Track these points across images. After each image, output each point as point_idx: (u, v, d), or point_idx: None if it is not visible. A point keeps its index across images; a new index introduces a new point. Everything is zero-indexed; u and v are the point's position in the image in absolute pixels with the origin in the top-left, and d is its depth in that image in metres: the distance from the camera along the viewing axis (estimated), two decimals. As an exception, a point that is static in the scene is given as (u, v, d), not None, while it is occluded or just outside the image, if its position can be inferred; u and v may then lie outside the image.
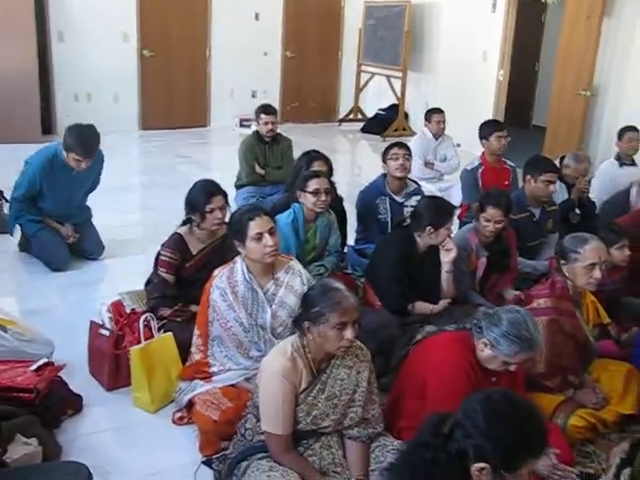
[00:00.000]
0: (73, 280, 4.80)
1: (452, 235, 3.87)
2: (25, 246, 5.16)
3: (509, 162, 5.55)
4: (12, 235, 5.15)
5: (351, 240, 4.88)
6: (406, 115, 10.73)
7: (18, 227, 5.09)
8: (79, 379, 3.49)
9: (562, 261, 3.32)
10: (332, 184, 4.27)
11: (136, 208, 6.75)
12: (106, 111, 9.17)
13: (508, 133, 5.44)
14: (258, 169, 6.08)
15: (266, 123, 6.01)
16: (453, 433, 1.78)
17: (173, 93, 10.13)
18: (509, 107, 9.29)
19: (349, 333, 2.46)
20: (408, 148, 4.71)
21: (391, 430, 2.82)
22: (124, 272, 4.95)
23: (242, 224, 3.07)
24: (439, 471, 1.76)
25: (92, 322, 3.61)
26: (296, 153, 5.40)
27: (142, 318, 3.44)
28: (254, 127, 6.48)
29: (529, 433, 1.77)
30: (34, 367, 3.15)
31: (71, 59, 9.15)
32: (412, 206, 4.36)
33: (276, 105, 7.68)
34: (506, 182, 5.34)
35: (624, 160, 5.86)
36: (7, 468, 2.48)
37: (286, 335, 2.94)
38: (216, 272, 3.18)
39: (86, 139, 4.65)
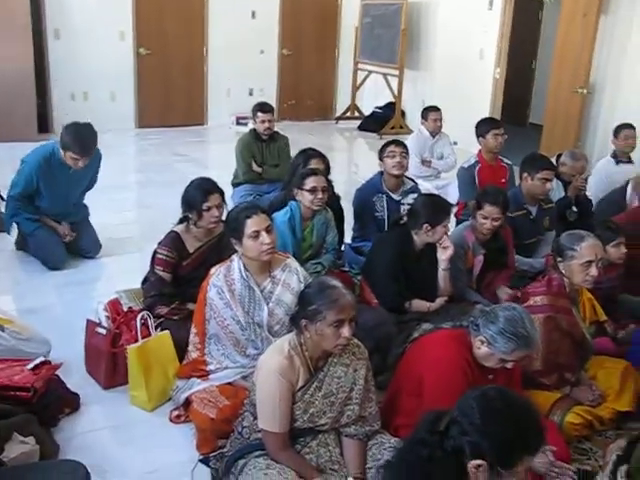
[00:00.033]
0: (70, 279, 4.80)
1: (449, 233, 3.87)
2: (22, 244, 5.15)
3: (506, 160, 5.56)
4: (9, 234, 5.14)
5: (348, 238, 4.87)
6: (403, 113, 10.73)
7: (15, 225, 5.08)
8: (76, 378, 3.49)
9: (559, 258, 3.32)
10: (329, 182, 4.27)
11: (133, 206, 6.75)
12: (103, 109, 9.17)
13: (505, 131, 5.45)
14: (255, 167, 6.08)
15: (263, 121, 6.01)
16: (449, 430, 1.79)
17: (170, 91, 10.12)
18: (506, 105, 9.30)
19: (346, 331, 2.47)
20: (405, 146, 4.71)
21: (388, 428, 2.82)
22: (121, 270, 4.94)
23: (239, 222, 3.07)
24: (435, 468, 1.77)
25: (89, 320, 3.61)
26: (293, 151, 5.39)
27: (139, 316, 3.44)
28: (251, 125, 6.48)
29: (525, 430, 1.78)
30: (31, 366, 3.15)
31: (67, 57, 9.13)
32: (409, 204, 4.36)
33: (273, 103, 7.66)
34: (503, 180, 5.34)
35: (620, 158, 5.87)
36: (4, 467, 2.48)
37: (283, 333, 2.94)
38: (213, 270, 3.18)
39: (83, 138, 4.64)
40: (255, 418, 2.62)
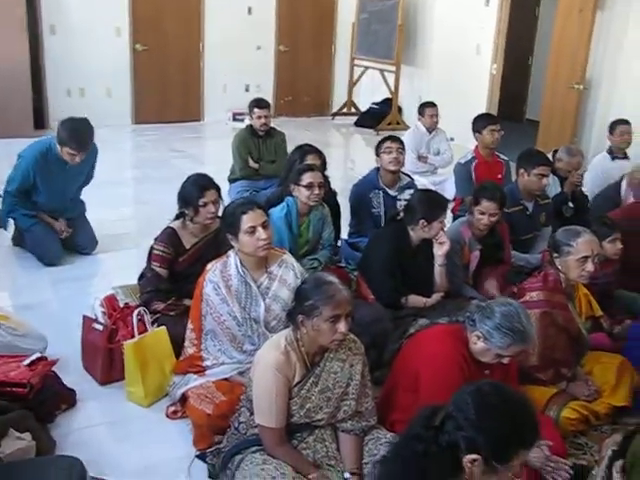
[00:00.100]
0: (66, 275, 4.79)
1: (445, 229, 3.87)
2: (19, 240, 5.14)
3: (502, 156, 5.56)
4: (5, 229, 5.13)
5: (344, 234, 4.88)
6: (399, 109, 10.72)
7: (12, 221, 5.07)
8: (73, 374, 3.49)
9: (555, 254, 3.33)
10: (326, 178, 4.27)
11: (129, 202, 6.73)
12: (99, 105, 9.12)
13: (501, 127, 5.45)
14: (252, 163, 6.08)
15: (259, 117, 6.01)
16: (444, 425, 1.79)
17: (166, 87, 10.09)
18: (502, 101, 9.29)
19: (342, 326, 2.47)
20: (401, 142, 4.72)
21: (384, 423, 2.83)
22: (117, 266, 4.94)
23: (235, 217, 3.07)
24: (431, 463, 1.77)
25: (85, 317, 3.60)
26: (290, 147, 5.39)
27: (135, 312, 3.43)
28: (247, 121, 6.47)
29: (520, 424, 1.78)
30: (27, 362, 3.14)
31: (63, 53, 9.09)
32: (405, 200, 4.37)
33: (269, 99, 7.67)
34: (499, 176, 5.35)
35: (616, 154, 5.87)
36: (0, 463, 2.48)
37: (280, 329, 2.94)
38: (209, 266, 3.18)
39: (80, 133, 4.63)
40: (252, 414, 2.62)
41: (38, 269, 4.84)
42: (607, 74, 7.69)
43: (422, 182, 6.22)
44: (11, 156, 5.04)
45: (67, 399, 3.28)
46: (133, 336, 3.35)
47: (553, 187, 5.13)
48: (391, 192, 4.67)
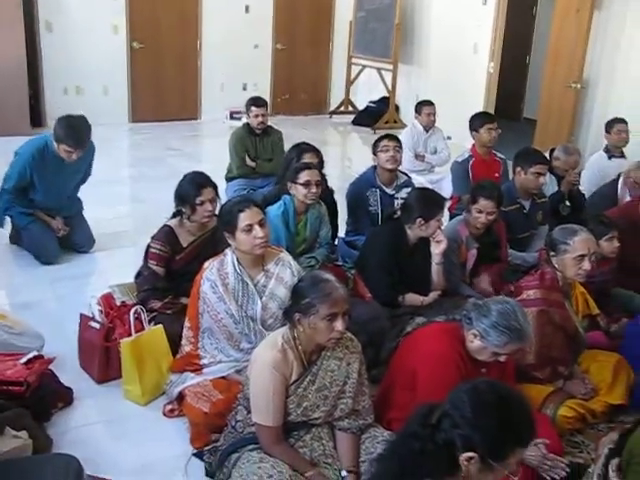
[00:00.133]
0: (63, 273, 4.79)
1: (442, 227, 3.87)
2: (16, 239, 5.13)
3: (499, 154, 5.56)
4: (2, 227, 5.10)
5: (342, 232, 4.88)
6: (397, 108, 10.72)
7: (8, 219, 5.06)
8: (69, 372, 3.48)
9: (552, 253, 3.33)
10: (323, 176, 4.27)
11: (126, 201, 6.73)
12: (96, 103, 9.10)
13: (498, 125, 5.46)
14: (249, 161, 6.07)
15: (256, 115, 6.00)
16: (441, 423, 1.79)
17: (163, 85, 10.07)
18: (500, 99, 9.30)
19: (339, 324, 2.47)
20: (398, 140, 4.72)
21: (381, 421, 2.83)
22: (114, 265, 4.93)
23: (232, 216, 3.07)
24: (427, 461, 1.77)
25: (82, 315, 3.60)
26: (287, 145, 5.39)
27: (132, 311, 3.44)
28: (244, 119, 6.46)
29: (516, 422, 1.78)
30: (24, 360, 3.14)
31: (60, 50, 9.07)
32: (402, 198, 4.37)
33: (267, 97, 7.66)
34: (496, 174, 5.35)
35: (613, 152, 5.87)
36: (-3, 461, 2.48)
37: (277, 327, 2.94)
38: (206, 264, 3.18)
39: (77, 130, 4.62)
40: (249, 412, 2.62)
41: (35, 267, 4.84)
42: (604, 73, 7.70)
43: (419, 180, 6.21)
44: (8, 154, 5.02)
45: (64, 397, 3.28)
46: (130, 334, 3.35)
47: (550, 186, 5.13)
48: (388, 190, 4.67)
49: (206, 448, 2.92)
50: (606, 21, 7.58)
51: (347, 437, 2.66)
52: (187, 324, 3.23)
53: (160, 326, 3.44)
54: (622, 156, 5.90)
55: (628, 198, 4.92)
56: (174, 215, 3.78)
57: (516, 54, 11.11)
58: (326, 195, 4.42)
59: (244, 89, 10.57)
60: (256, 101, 6.05)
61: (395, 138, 4.71)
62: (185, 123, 10.19)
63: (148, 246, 3.74)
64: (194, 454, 2.96)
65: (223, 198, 3.93)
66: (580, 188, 5.44)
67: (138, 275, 3.85)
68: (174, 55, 10.08)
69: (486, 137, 5.34)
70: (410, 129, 6.94)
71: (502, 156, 5.57)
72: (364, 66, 10.97)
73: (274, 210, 3.99)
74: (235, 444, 2.65)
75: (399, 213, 3.92)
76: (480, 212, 3.98)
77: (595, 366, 3.45)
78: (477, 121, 5.43)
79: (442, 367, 2.66)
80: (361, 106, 11.24)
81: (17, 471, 2.32)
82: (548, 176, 4.83)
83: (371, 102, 11.04)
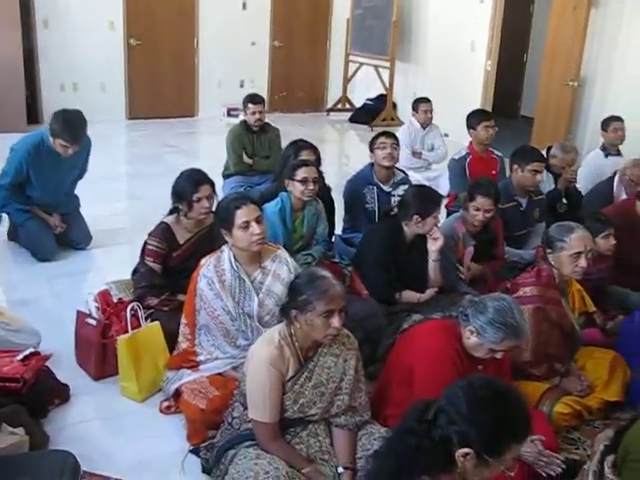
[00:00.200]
0: (60, 270, 4.78)
1: (439, 224, 3.87)
2: (14, 235, 5.13)
3: (496, 152, 5.57)
4: (-1, 223, 5.12)
5: (339, 229, 4.88)
6: (394, 105, 10.73)
7: (6, 216, 5.05)
8: (66, 369, 3.48)
9: (548, 250, 3.33)
10: (320, 173, 4.27)
11: (123, 198, 6.73)
12: (93, 100, 9.07)
13: (496, 123, 5.46)
14: (246, 158, 6.07)
15: (253, 113, 6.00)
16: (437, 420, 1.79)
17: (160, 82, 10.06)
18: (497, 97, 9.30)
19: (336, 321, 2.47)
20: (396, 137, 4.71)
21: (378, 418, 2.83)
22: (111, 262, 4.93)
23: (229, 212, 3.07)
24: (423, 457, 1.77)
25: (79, 312, 3.60)
26: (284, 143, 5.38)
27: (129, 307, 3.43)
28: (242, 116, 6.46)
29: (512, 418, 1.79)
30: (21, 357, 3.14)
31: (57, 47, 9.06)
32: (399, 195, 4.37)
33: (264, 95, 7.64)
34: (493, 172, 5.36)
35: (610, 150, 5.88)
36: (-6, 457, 2.48)
37: (273, 323, 2.94)
38: (203, 261, 3.18)
39: (73, 125, 4.60)
40: (245, 408, 2.62)
41: (32, 264, 4.83)
42: (601, 71, 7.71)
43: (416, 178, 6.22)
44: (4, 151, 5.01)
45: (60, 394, 3.28)
46: (127, 331, 3.35)
47: (547, 183, 5.14)
48: (385, 188, 4.67)
49: (203, 445, 2.91)
50: (603, 19, 7.59)
51: (344, 434, 2.66)
52: (184, 321, 3.22)
53: (157, 323, 3.44)
54: (618, 154, 5.92)
55: (624, 196, 4.93)
56: (171, 212, 3.78)
57: (513, 52, 11.11)
58: (323, 192, 4.42)
59: (241, 86, 10.57)
60: (253, 98, 6.05)
61: (392, 135, 4.71)
62: (182, 120, 10.19)
63: (145, 243, 3.73)
64: (191, 451, 2.96)
65: (220, 195, 3.93)
66: (577, 186, 5.45)
67: (135, 272, 3.85)
68: (171, 52, 10.07)
69: (483, 135, 5.34)
70: (407, 126, 6.95)
71: (499, 154, 5.58)
72: (361, 63, 10.96)
73: (271, 207, 3.99)
74: (232, 440, 2.65)
75: (396, 210, 3.92)
76: (477, 210, 3.98)
77: (591, 363, 3.46)
78: (474, 119, 5.43)
79: (439, 364, 2.67)
80: (358, 103, 11.24)
81: (14, 467, 2.32)
82: (545, 174, 4.83)
83: (368, 99, 11.04)
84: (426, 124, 6.83)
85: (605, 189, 5.11)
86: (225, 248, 3.17)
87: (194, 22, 10.15)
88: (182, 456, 2.93)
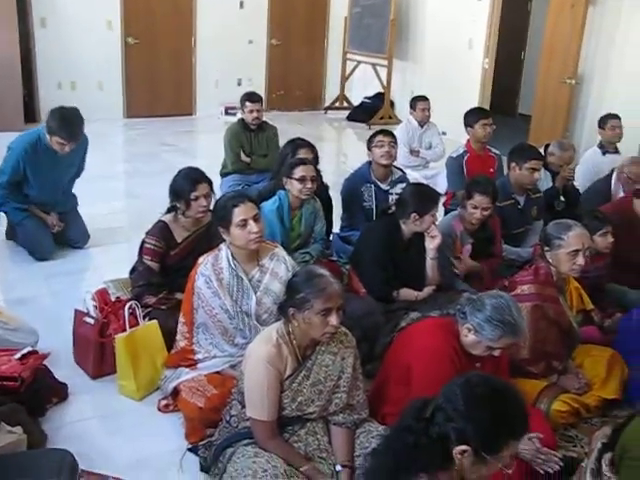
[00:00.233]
0: (58, 269, 4.78)
1: (437, 222, 3.87)
2: (11, 234, 5.12)
3: (494, 150, 5.57)
4: (-4, 222, 5.12)
5: (336, 227, 4.88)
6: (392, 103, 10.72)
7: (3, 215, 5.05)
8: (64, 367, 3.48)
9: (546, 248, 3.33)
10: (318, 172, 4.27)
11: (121, 196, 6.72)
12: (90, 99, 9.05)
13: (493, 121, 5.46)
14: (243, 157, 6.07)
15: (251, 111, 6.00)
16: (435, 417, 1.80)
17: (158, 81, 10.05)
18: (495, 95, 9.30)
19: (334, 319, 2.47)
20: (393, 135, 4.72)
21: (376, 416, 2.83)
22: (109, 260, 4.93)
23: (226, 210, 3.07)
24: (421, 455, 1.78)
25: (77, 310, 3.60)
26: (282, 141, 5.39)
27: (127, 306, 3.43)
28: (239, 115, 6.46)
29: (510, 415, 1.79)
30: (18, 355, 3.14)
31: (54, 46, 9.04)
32: (397, 193, 4.37)
33: (262, 93, 7.65)
34: (491, 170, 5.36)
35: (607, 148, 5.88)
36: (-8, 456, 2.48)
37: (271, 322, 2.94)
38: (201, 259, 3.18)
39: (70, 122, 4.58)
40: (243, 407, 2.62)
41: (30, 263, 4.83)
42: (599, 69, 7.71)
43: (414, 176, 6.22)
44: (1, 149, 5.01)
45: (58, 393, 3.28)
46: (124, 330, 3.35)
47: (545, 181, 5.14)
48: (383, 186, 4.67)
49: (201, 443, 2.91)
50: (601, 16, 7.59)
51: (342, 432, 2.67)
52: (182, 319, 3.23)
53: (155, 321, 3.44)
54: (616, 152, 5.91)
55: (622, 194, 4.93)
56: (169, 210, 3.77)
57: (511, 50, 11.11)
58: (321, 191, 4.42)
59: (239, 85, 10.55)
60: (251, 96, 6.05)
61: (390, 134, 4.71)
62: (180, 119, 10.18)
63: (143, 241, 3.73)
64: (189, 449, 2.96)
65: (218, 194, 3.93)
66: (574, 183, 5.45)
67: (133, 270, 3.85)
68: (169, 50, 10.06)
69: (481, 133, 5.34)
70: (405, 125, 6.95)
71: (497, 152, 5.58)
72: (359, 62, 10.95)
73: (269, 205, 3.99)
74: (230, 439, 2.66)
75: (394, 208, 3.92)
76: (475, 208, 3.98)
77: (589, 361, 3.46)
78: (472, 117, 5.43)
79: (436, 362, 2.67)
80: (356, 102, 11.23)
81: (12, 466, 2.32)
82: (543, 171, 4.84)
83: (366, 98, 11.03)
84: (424, 122, 6.83)
85: (603, 187, 5.11)
86: (223, 246, 3.17)
87: (191, 20, 10.13)
88: (180, 454, 2.93)
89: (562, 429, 3.15)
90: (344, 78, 11.31)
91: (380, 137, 4.62)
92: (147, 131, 9.34)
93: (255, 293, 3.13)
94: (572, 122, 7.94)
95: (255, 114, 6.00)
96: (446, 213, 4.92)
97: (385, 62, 10.18)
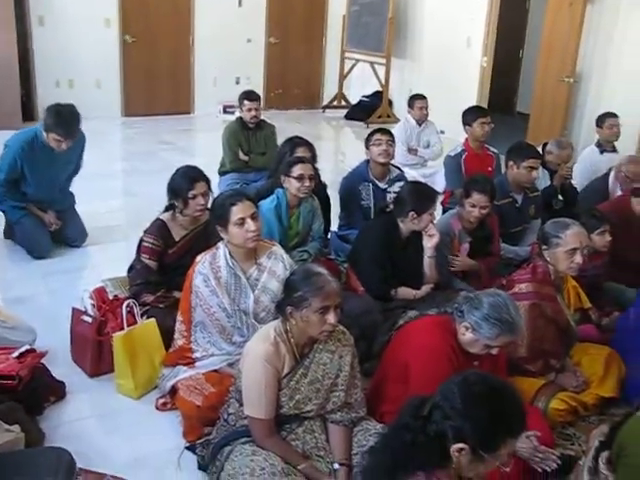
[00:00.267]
0: (56, 267, 4.78)
1: (435, 221, 3.87)
2: (9, 233, 5.11)
3: (492, 148, 5.57)
4: (-6, 220, 5.11)
5: (334, 226, 4.88)
6: (390, 102, 10.71)
7: (1, 214, 5.04)
8: (62, 366, 3.48)
9: (544, 246, 3.33)
10: (316, 170, 4.27)
11: (119, 195, 6.71)
12: (88, 97, 9.04)
13: (492, 119, 5.45)
14: (242, 155, 6.07)
15: (249, 109, 6.00)
16: (432, 415, 1.80)
17: (156, 79, 10.04)
18: (493, 94, 9.30)
19: (332, 317, 2.47)
20: (391, 134, 4.72)
21: (374, 414, 2.83)
22: (107, 259, 4.93)
23: (224, 209, 3.07)
24: (419, 453, 1.78)
25: (74, 309, 3.60)
26: (280, 140, 5.38)
27: (125, 304, 3.43)
28: (237, 113, 6.46)
29: (507, 413, 1.79)
30: (16, 354, 3.14)
31: (52, 44, 9.03)
32: (395, 192, 4.37)
33: (260, 92, 7.65)
34: (489, 168, 5.36)
35: (605, 147, 5.88)
36: (-11, 454, 2.48)
37: (269, 320, 2.94)
38: (199, 258, 3.18)
39: (66, 119, 4.57)
40: (241, 405, 2.62)
41: (28, 262, 4.82)
42: (597, 67, 7.71)
43: (412, 174, 6.21)
44: (-1, 148, 5.02)
45: (56, 391, 3.27)
46: (122, 328, 3.35)
47: (542, 180, 5.14)
48: (381, 184, 4.67)
49: (199, 441, 2.92)
50: (599, 15, 7.59)
51: (339, 430, 2.67)
52: (179, 318, 3.23)
53: (153, 320, 3.44)
54: (614, 150, 5.92)
55: (619, 192, 4.93)
56: (167, 209, 3.77)
57: (509, 48, 11.12)
58: (319, 189, 4.43)
59: (237, 83, 10.54)
60: (249, 95, 6.04)
61: (388, 132, 4.71)
62: (178, 117, 10.16)
63: (141, 240, 3.73)
64: (187, 447, 2.96)
65: (216, 192, 3.93)
66: (572, 182, 5.46)
67: (130, 269, 3.84)
68: (167, 49, 10.05)
69: (479, 131, 5.34)
70: (403, 123, 6.94)
71: (495, 150, 5.58)
72: (357, 60, 10.95)
73: (267, 204, 3.99)
74: (227, 437, 2.66)
75: (391, 207, 3.92)
76: (473, 206, 3.98)
77: (587, 359, 3.47)
78: (470, 115, 5.43)
79: (434, 360, 2.67)
80: (354, 100, 11.23)
81: (9, 465, 2.32)
82: (541, 170, 4.84)
83: (364, 96, 11.02)
84: (422, 121, 6.82)
85: (600, 186, 5.11)
86: (221, 245, 3.17)
87: (190, 19, 10.12)
88: (178, 453, 2.93)
89: (560, 427, 3.16)
90: (342, 76, 11.31)
91: (378, 135, 4.62)
92: (145, 129, 9.33)
93: (253, 291, 3.13)
94: (570, 121, 7.94)
95: (253, 112, 6.00)
96: (444, 212, 4.92)
97: (383, 60, 10.18)
